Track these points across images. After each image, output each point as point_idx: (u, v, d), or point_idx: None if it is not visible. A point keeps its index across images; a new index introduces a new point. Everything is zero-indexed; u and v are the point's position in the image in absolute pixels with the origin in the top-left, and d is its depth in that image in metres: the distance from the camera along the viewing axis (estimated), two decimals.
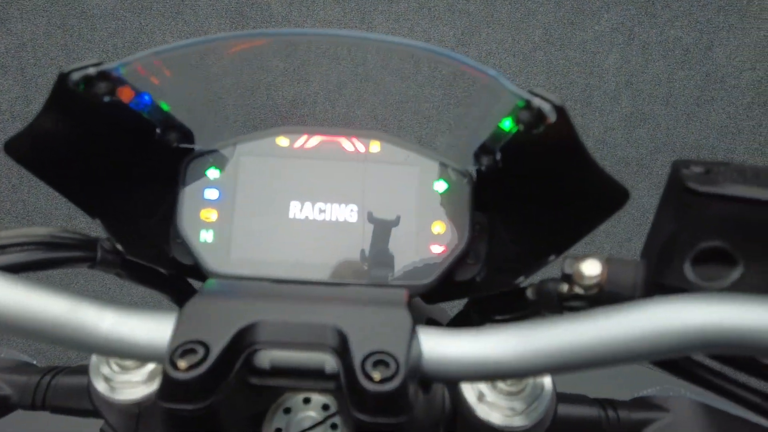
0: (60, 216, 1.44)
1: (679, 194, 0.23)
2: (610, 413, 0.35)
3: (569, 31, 1.41)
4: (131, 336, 0.24)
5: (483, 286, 0.34)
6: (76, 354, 0.73)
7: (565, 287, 0.28)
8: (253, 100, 1.54)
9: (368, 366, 0.22)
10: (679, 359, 0.26)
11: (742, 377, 0.25)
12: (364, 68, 1.54)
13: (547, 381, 0.35)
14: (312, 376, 0.24)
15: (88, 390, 0.35)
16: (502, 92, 0.26)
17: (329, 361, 0.24)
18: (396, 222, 0.32)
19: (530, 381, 0.34)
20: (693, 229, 0.23)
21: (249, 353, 0.24)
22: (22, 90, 1.39)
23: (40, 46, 1.38)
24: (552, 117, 0.25)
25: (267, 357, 0.24)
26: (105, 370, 0.34)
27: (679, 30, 1.35)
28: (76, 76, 0.26)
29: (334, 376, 0.24)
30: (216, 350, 0.23)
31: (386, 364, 0.22)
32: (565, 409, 0.35)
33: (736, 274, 0.23)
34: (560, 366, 0.23)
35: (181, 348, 0.23)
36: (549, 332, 0.23)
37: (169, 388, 0.22)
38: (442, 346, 0.23)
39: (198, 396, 0.22)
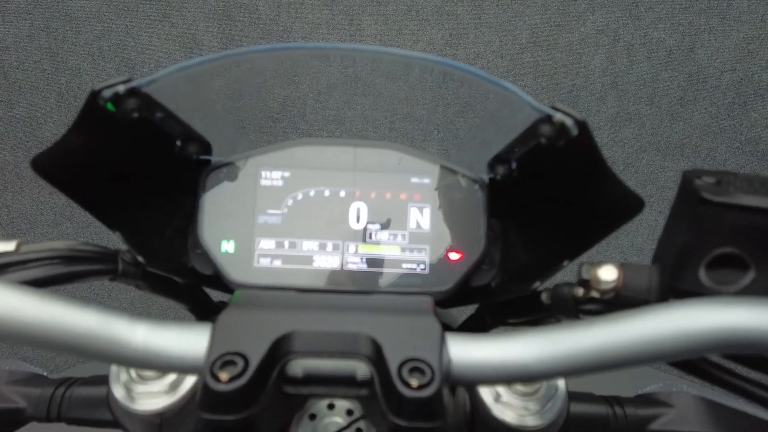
0: (45, 222, 1.41)
1: (694, 204, 0.24)
2: (618, 410, 0.37)
3: (555, 33, 1.43)
4: (165, 348, 0.24)
5: (498, 290, 0.34)
6: (73, 361, 0.73)
7: (580, 291, 0.29)
8: (243, 102, 1.53)
9: (405, 373, 0.23)
10: (695, 359, 0.27)
11: (755, 375, 0.26)
12: (353, 70, 1.54)
13: (560, 382, 0.36)
14: (344, 383, 0.25)
15: (107, 400, 0.35)
16: (519, 105, 0.27)
17: (361, 368, 0.25)
18: (415, 230, 0.33)
19: (545, 382, 0.35)
20: (708, 237, 0.24)
21: (284, 363, 0.24)
22: (5, 94, 1.37)
23: (24, 49, 1.35)
24: (574, 131, 0.26)
25: (300, 365, 0.25)
26: (124, 378, 0.34)
27: (662, 32, 1.38)
28: (107, 94, 0.27)
29: (366, 383, 0.24)
30: (255, 361, 0.23)
31: (422, 371, 0.23)
32: (575, 408, 0.36)
33: (748, 278, 0.24)
34: (584, 368, 0.24)
35: (220, 360, 0.23)
36: (572, 336, 0.23)
37: (211, 399, 0.22)
38: (469, 351, 0.24)
39: (240, 407, 0.23)
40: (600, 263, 0.28)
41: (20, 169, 1.42)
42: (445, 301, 0.34)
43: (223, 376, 0.22)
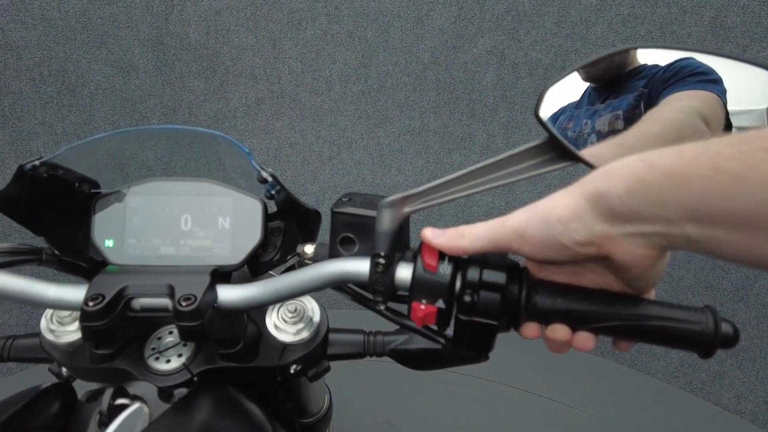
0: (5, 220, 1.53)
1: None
2: (371, 337, 0.58)
3: (452, 53, 1.65)
4: (65, 296, 0.45)
5: (278, 262, 0.55)
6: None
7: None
8: (176, 118, 1.68)
9: (182, 301, 0.44)
10: (349, 290, 0.47)
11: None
12: (279, 86, 1.72)
13: (315, 316, 0.57)
14: (161, 310, 0.46)
15: (40, 343, 0.55)
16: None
17: (170, 303, 0.45)
18: (220, 230, 0.52)
19: (304, 314, 0.56)
20: (338, 227, 0.45)
21: (126, 300, 0.45)
22: None
23: None
24: (269, 179, 0.49)
25: (138, 303, 0.46)
26: (52, 327, 0.54)
27: (539, 53, 1.63)
28: (27, 166, 0.47)
29: (171, 310, 0.45)
30: (107, 298, 0.44)
31: (189, 299, 0.44)
32: (338, 336, 0.58)
33: (356, 248, 0.45)
34: (282, 297, 0.44)
35: (90, 297, 0.44)
36: (278, 281, 0.44)
37: (85, 316, 0.43)
38: (226, 293, 0.45)
39: (99, 319, 0.43)
40: (308, 244, 0.49)
41: None
42: (252, 271, 0.54)
43: (91, 304, 0.43)
